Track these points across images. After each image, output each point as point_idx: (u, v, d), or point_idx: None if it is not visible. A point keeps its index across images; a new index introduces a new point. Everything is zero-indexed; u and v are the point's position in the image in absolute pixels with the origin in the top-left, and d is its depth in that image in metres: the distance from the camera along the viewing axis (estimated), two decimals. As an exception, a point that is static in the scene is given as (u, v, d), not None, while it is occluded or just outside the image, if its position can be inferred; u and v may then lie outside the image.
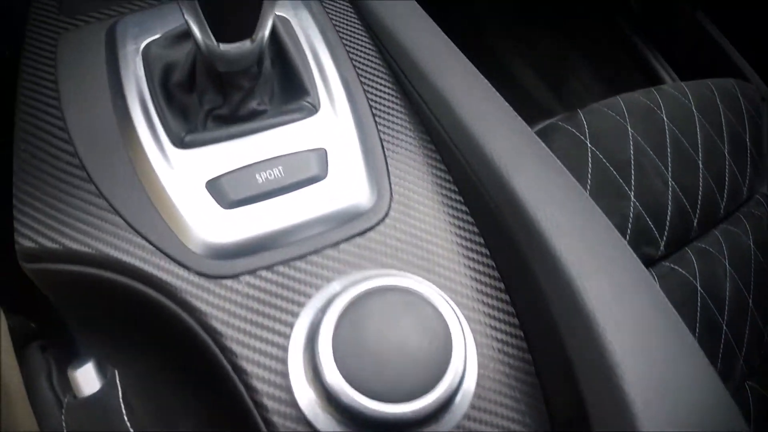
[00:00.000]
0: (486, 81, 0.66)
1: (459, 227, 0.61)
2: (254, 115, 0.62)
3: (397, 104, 0.68)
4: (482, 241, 0.60)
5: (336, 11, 0.77)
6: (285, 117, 0.62)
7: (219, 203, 0.57)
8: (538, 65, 1.73)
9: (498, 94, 0.64)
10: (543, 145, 0.59)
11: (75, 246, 0.57)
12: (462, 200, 0.62)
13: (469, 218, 0.61)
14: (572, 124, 1.01)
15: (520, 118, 0.61)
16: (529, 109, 1.71)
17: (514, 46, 1.76)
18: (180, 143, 0.60)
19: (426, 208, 0.61)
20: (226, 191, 0.57)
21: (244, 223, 0.57)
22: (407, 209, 0.60)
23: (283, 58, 0.66)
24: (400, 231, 0.59)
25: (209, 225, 0.57)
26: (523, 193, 0.54)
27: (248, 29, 0.53)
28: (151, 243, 0.57)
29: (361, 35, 0.75)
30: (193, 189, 0.58)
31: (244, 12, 0.52)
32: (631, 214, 0.94)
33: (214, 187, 0.58)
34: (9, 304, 0.69)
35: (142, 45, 0.69)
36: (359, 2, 0.77)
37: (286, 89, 0.66)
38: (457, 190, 0.63)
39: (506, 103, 0.63)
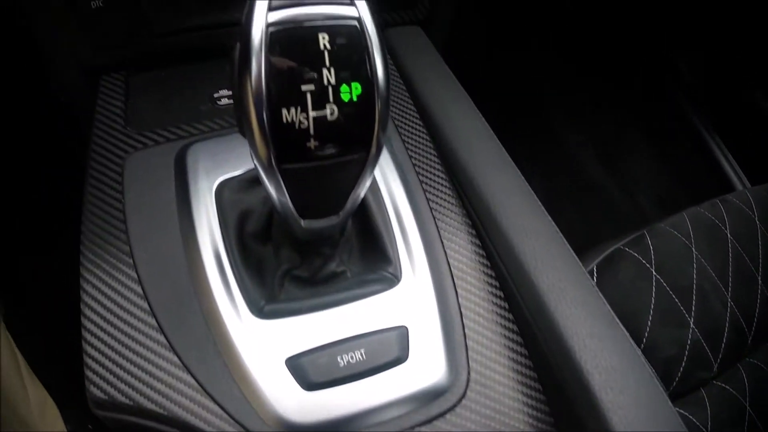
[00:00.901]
0: (566, 246, 0.65)
1: (534, 408, 0.60)
2: (334, 276, 0.60)
3: (479, 268, 0.67)
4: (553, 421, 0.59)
5: (416, 148, 0.76)
6: (366, 289, 0.61)
7: (299, 384, 0.56)
8: (596, 143, 1.71)
9: (578, 263, 0.63)
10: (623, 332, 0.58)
11: (148, 405, 0.56)
12: (536, 377, 0.61)
13: (542, 396, 0.60)
14: (638, 251, 0.99)
15: (602, 298, 0.60)
16: (587, 191, 1.68)
17: (573, 124, 1.74)
18: (259, 312, 0.58)
19: (503, 387, 0.60)
20: (307, 373, 0.56)
21: (323, 404, 0.56)
22: (484, 389, 0.59)
23: (365, 217, 0.65)
24: (477, 413, 0.58)
25: (288, 404, 0.55)
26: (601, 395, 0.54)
27: (337, 208, 0.51)
28: (227, 413, 0.56)
29: (442, 178, 0.74)
30: (273, 365, 0.56)
31: (335, 196, 0.50)
32: (689, 343, 0.93)
33: (295, 366, 0.56)
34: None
35: (215, 184, 0.67)
36: (436, 135, 0.77)
37: (367, 246, 0.65)
38: (532, 365, 0.61)
39: (587, 278, 0.62)
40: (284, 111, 0.42)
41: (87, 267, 0.62)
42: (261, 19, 0.41)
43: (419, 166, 0.72)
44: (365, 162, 0.47)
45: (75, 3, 0.74)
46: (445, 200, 0.70)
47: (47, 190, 1.25)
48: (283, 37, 0.42)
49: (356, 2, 0.43)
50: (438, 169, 0.72)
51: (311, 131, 0.43)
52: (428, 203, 0.69)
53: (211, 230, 0.64)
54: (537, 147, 1.62)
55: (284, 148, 0.44)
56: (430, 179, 0.72)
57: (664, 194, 1.67)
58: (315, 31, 0.42)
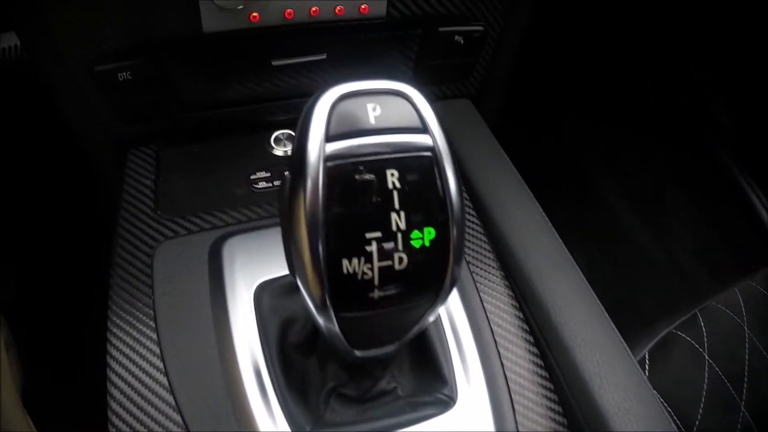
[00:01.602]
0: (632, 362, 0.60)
1: None
2: (384, 394, 0.55)
3: (537, 381, 0.63)
4: None
5: (467, 237, 0.70)
6: (420, 413, 0.55)
7: None
8: (632, 195, 1.65)
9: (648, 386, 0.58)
10: None
11: None
12: None
13: None
14: (691, 335, 0.94)
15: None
16: (623, 244, 1.63)
17: (609, 174, 1.69)
18: None
19: None
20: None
21: None
22: None
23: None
24: None
25: None
26: None
27: (396, 340, 0.46)
28: None
29: (496, 275, 0.70)
30: None
31: (396, 332, 0.45)
32: (739, 427, 0.87)
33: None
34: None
35: (254, 287, 0.62)
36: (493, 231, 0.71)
37: (419, 359, 0.60)
38: None
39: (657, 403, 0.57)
40: (345, 262, 0.36)
41: (115, 370, 0.58)
42: (317, 151, 0.35)
43: (473, 263, 0.67)
44: (435, 301, 0.41)
45: (100, 73, 0.69)
46: (501, 302, 0.66)
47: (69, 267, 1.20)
48: (344, 175, 0.36)
49: (430, 128, 0.38)
50: (492, 266, 0.68)
51: (375, 282, 0.37)
52: (483, 305, 0.65)
53: (249, 340, 0.59)
54: (571, 197, 1.56)
55: (343, 298, 0.38)
56: (485, 277, 0.67)
57: (703, 249, 1.61)
58: (382, 166, 0.36)
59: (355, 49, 0.76)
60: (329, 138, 0.35)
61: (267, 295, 0.61)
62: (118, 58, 0.70)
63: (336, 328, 0.40)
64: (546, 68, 1.50)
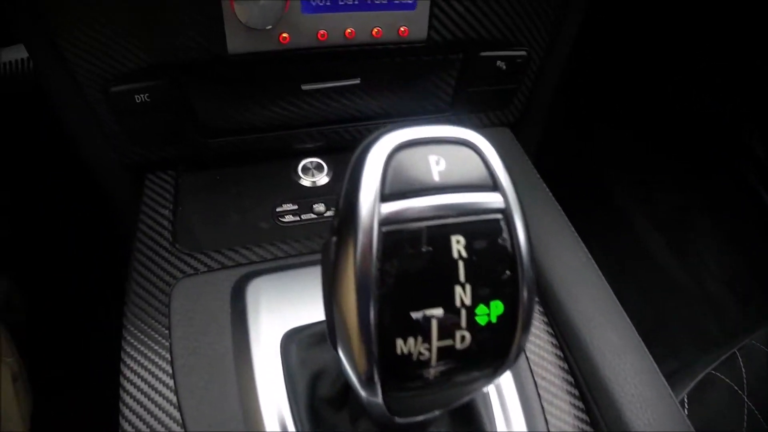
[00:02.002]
0: None
1: None
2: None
3: None
4: None
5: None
6: None
7: None
8: (660, 222, 1.60)
9: None
10: None
11: None
12: None
13: None
14: (731, 376, 0.90)
15: None
16: (652, 273, 1.59)
17: (637, 200, 1.64)
18: None
19: None
20: None
21: None
22: None
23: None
24: None
25: None
26: None
27: (442, 408, 0.40)
28: None
29: (539, 319, 0.65)
30: None
31: (444, 405, 0.39)
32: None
33: None
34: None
35: (281, 335, 0.57)
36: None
37: (460, 418, 0.54)
38: None
39: None
40: (400, 342, 0.30)
41: (128, 419, 0.53)
42: (370, 213, 0.30)
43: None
44: (495, 374, 0.35)
45: (115, 95, 0.65)
46: (545, 352, 0.61)
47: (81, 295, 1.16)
48: (402, 242, 0.30)
49: (501, 184, 0.32)
50: (536, 312, 0.60)
51: (432, 362, 0.31)
52: (526, 356, 0.60)
53: (275, 393, 0.54)
54: (598, 221, 1.52)
55: (393, 377, 0.32)
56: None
57: (732, 277, 1.56)
58: (447, 232, 0.30)
59: (391, 74, 0.70)
60: (385, 197, 0.29)
61: (295, 345, 0.56)
62: (135, 78, 0.65)
63: (380, 401, 0.34)
64: (574, 91, 1.45)
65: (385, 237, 0.29)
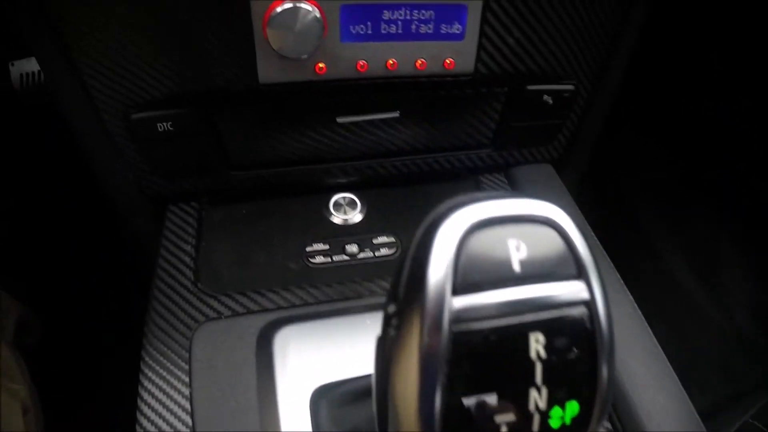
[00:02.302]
0: None
1: None
2: None
3: None
4: None
5: None
6: None
7: None
8: (687, 252, 1.55)
9: None
10: None
11: None
12: None
13: None
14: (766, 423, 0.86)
15: None
16: (680, 305, 1.55)
17: (664, 231, 1.59)
18: None
19: None
20: None
21: None
22: None
23: None
24: None
25: None
26: None
27: None
28: None
29: None
30: None
31: None
32: None
33: None
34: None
35: (311, 391, 0.53)
36: None
37: None
38: None
39: None
40: None
41: None
42: (440, 308, 0.25)
43: None
44: None
45: (136, 122, 0.61)
46: None
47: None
48: (476, 344, 0.26)
49: (586, 270, 0.28)
50: None
51: (498, 466, 0.27)
52: None
53: None
54: (626, 249, 1.48)
55: None
56: None
57: (760, 308, 1.51)
58: (526, 330, 0.27)
59: (432, 107, 0.65)
60: (458, 289, 0.25)
61: (326, 403, 0.52)
62: (158, 106, 0.61)
63: None
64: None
65: (456, 338, 0.25)
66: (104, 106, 0.60)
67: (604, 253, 0.68)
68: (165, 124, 0.61)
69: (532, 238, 0.27)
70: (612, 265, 0.68)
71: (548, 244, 0.27)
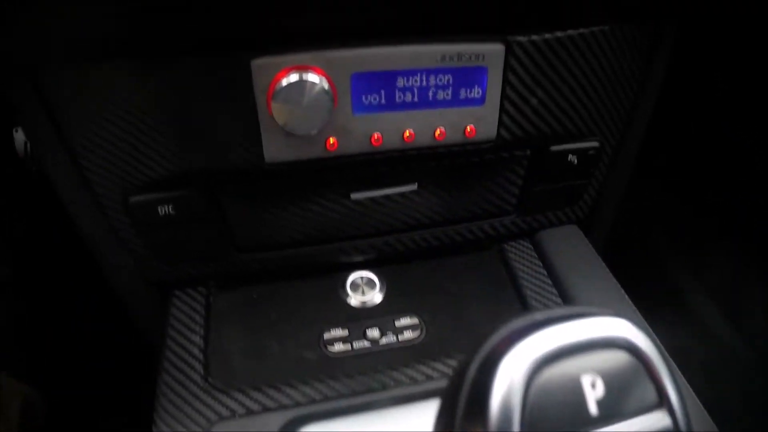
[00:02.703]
0: None
1: None
2: None
3: None
4: None
5: None
6: None
7: None
8: (717, 294, 1.51)
9: None
10: None
11: None
12: None
13: None
14: None
15: None
16: (711, 348, 1.50)
17: (692, 273, 1.55)
18: None
19: None
20: None
21: None
22: None
23: None
24: None
25: None
26: None
27: None
28: None
29: None
30: None
31: None
32: None
33: None
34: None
35: None
36: None
37: None
38: None
39: None
40: None
41: None
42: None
43: None
44: None
45: (135, 206, 0.57)
46: None
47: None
48: None
49: (669, 396, 0.24)
50: None
51: None
52: None
53: None
54: (650, 287, 1.45)
55: None
56: None
57: None
58: None
59: (452, 176, 0.61)
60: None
61: None
62: (158, 187, 0.57)
63: None
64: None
65: None
66: (101, 189, 0.57)
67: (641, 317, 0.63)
68: (166, 207, 0.57)
69: (608, 370, 0.22)
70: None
71: (626, 374, 0.23)
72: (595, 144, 0.66)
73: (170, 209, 0.57)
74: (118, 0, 0.43)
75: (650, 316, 0.68)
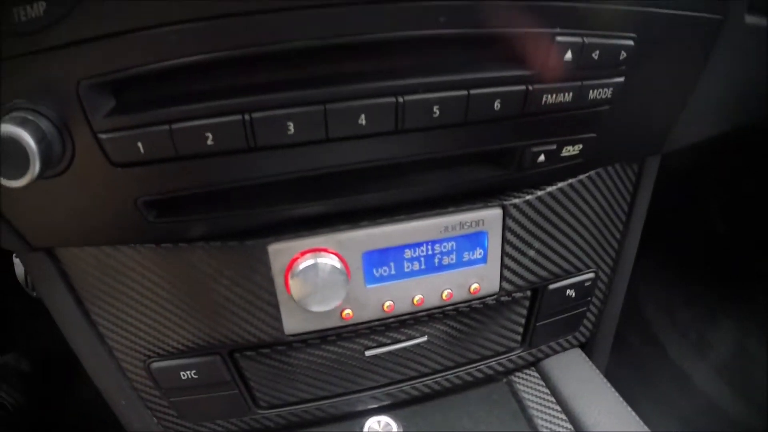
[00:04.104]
0: None
1: None
2: None
3: None
4: None
5: None
6: None
7: None
8: (718, 365, 1.53)
9: None
10: None
11: None
12: None
13: None
14: None
15: None
16: (709, 415, 1.51)
17: (687, 344, 1.57)
18: None
19: None
20: None
21: None
22: None
23: None
24: None
25: None
26: None
27: None
28: None
29: None
30: None
31: None
32: None
33: None
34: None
35: None
36: None
37: None
38: None
39: None
40: None
41: None
42: None
43: None
44: None
45: (158, 371, 0.61)
46: None
47: None
48: None
49: None
50: None
51: None
52: None
53: None
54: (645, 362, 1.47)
55: None
56: None
57: None
58: None
59: (460, 325, 0.64)
60: None
61: None
62: (181, 354, 0.59)
63: None
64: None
65: None
66: (122, 355, 0.59)
67: None
68: (189, 372, 0.59)
69: None
70: None
71: None
72: (590, 275, 0.69)
73: (193, 374, 0.60)
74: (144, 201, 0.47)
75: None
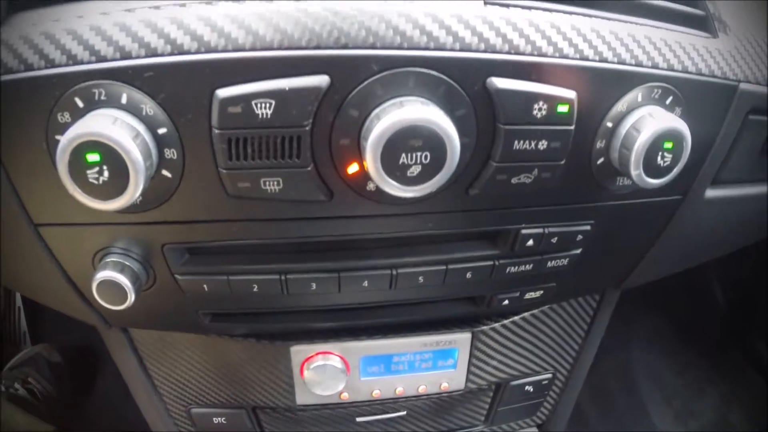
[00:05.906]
0: None
1: None
2: None
3: None
4: None
5: None
6: None
7: None
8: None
9: None
10: None
11: None
12: None
13: None
14: None
15: None
16: None
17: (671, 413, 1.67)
18: None
19: None
20: None
21: None
22: None
23: None
24: None
25: None
26: None
27: None
28: None
29: None
30: None
31: None
32: None
33: None
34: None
35: None
36: None
37: None
38: None
39: None
40: None
41: None
42: None
43: None
44: None
45: (197, 416, 0.80)
46: None
47: None
48: None
49: None
50: None
51: None
52: None
53: None
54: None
55: None
56: None
57: None
58: None
59: (433, 405, 0.83)
60: None
61: None
62: (215, 405, 0.80)
63: None
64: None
65: None
66: (170, 401, 0.79)
67: None
68: (220, 419, 0.80)
69: None
70: None
71: None
72: (548, 376, 0.87)
73: (222, 420, 0.80)
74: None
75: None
